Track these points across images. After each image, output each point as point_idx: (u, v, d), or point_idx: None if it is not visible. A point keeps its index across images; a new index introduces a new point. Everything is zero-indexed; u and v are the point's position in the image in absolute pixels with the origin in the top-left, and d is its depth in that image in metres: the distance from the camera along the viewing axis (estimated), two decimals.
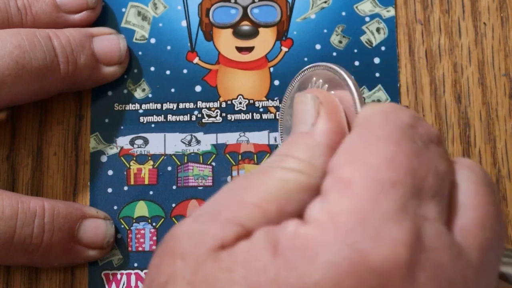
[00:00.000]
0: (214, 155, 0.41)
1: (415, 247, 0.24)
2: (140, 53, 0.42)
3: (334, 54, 0.42)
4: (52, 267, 0.39)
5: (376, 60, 0.42)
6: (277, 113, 0.41)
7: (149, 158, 0.41)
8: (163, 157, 0.41)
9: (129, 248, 0.40)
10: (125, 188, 0.41)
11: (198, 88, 0.42)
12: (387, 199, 0.25)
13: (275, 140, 0.41)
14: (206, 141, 0.41)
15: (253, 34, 0.42)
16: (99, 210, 0.39)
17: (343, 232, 0.24)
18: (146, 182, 0.41)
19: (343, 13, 0.42)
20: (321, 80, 0.32)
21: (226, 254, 0.25)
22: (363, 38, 0.42)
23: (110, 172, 0.41)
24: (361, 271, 0.24)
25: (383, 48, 0.42)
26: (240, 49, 0.42)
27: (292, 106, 0.32)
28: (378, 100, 0.41)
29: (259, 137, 0.41)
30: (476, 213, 0.27)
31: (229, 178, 0.41)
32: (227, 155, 0.41)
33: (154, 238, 0.40)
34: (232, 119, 0.41)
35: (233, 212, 0.27)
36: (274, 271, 0.24)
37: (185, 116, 0.41)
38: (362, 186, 0.25)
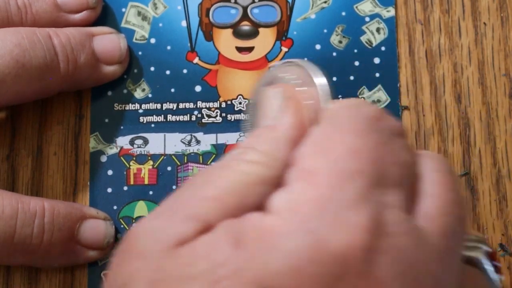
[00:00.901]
0: (214, 155, 0.41)
1: (375, 232, 0.25)
2: (140, 53, 0.42)
3: (334, 54, 0.42)
4: (52, 267, 0.39)
5: (376, 60, 0.42)
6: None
7: (149, 158, 0.41)
8: (163, 157, 0.41)
9: None
10: (125, 188, 0.40)
11: (198, 88, 0.42)
12: (348, 188, 0.25)
13: None
14: (206, 141, 0.41)
15: (253, 34, 0.42)
16: (99, 211, 0.39)
17: (303, 220, 0.25)
18: (146, 182, 0.41)
19: (343, 13, 0.42)
20: (292, 76, 0.33)
21: (186, 250, 0.25)
22: (363, 38, 0.42)
23: (110, 172, 0.41)
24: (320, 257, 0.24)
25: (383, 48, 0.42)
26: (240, 49, 0.42)
27: (259, 102, 0.32)
28: (378, 101, 0.41)
29: None
30: (438, 200, 0.28)
31: None
32: None
33: None
34: (232, 119, 0.41)
35: (193, 208, 0.26)
36: (235, 263, 0.24)
37: (185, 116, 0.41)
38: (324, 175, 0.26)
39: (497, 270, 0.31)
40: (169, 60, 0.42)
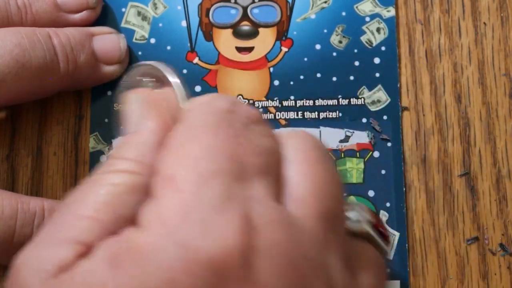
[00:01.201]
0: None
1: (246, 231, 0.24)
2: (140, 53, 0.42)
3: (334, 54, 0.42)
4: None
5: (376, 60, 0.42)
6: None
7: None
8: None
9: None
10: None
11: (198, 88, 0.42)
12: (210, 190, 0.25)
13: None
14: None
15: (253, 34, 0.42)
16: None
17: (170, 231, 0.24)
18: None
19: (343, 13, 0.42)
20: (149, 79, 0.33)
21: (66, 277, 0.25)
22: (363, 38, 0.42)
23: None
24: (194, 268, 0.23)
25: (383, 48, 0.42)
26: (240, 49, 0.42)
27: (122, 108, 0.32)
28: (378, 101, 0.41)
29: None
30: (306, 181, 0.27)
31: None
32: None
33: None
34: None
35: (69, 230, 0.26)
36: (113, 285, 0.24)
37: None
38: (185, 181, 0.25)
39: (384, 237, 0.30)
40: (169, 60, 0.42)
